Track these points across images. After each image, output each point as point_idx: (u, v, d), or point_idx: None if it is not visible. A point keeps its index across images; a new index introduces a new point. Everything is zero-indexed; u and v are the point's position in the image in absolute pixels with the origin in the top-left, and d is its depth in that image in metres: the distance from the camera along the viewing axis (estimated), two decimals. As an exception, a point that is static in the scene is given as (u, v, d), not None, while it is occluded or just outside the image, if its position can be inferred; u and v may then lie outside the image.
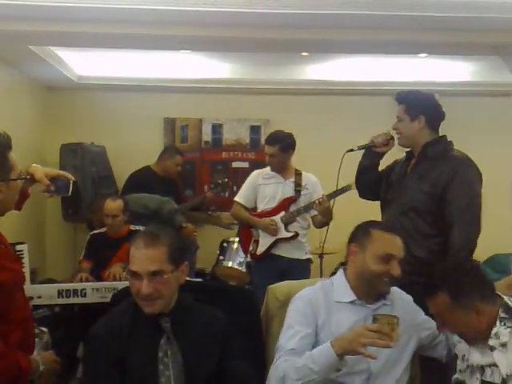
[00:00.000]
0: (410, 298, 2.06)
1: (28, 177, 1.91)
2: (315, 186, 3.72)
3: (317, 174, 3.84)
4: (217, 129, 5.42)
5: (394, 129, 2.66)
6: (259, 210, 3.74)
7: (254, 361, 1.92)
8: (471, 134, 5.30)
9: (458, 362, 1.85)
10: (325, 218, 3.49)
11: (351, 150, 2.79)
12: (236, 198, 3.81)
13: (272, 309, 2.13)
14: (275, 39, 3.33)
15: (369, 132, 2.83)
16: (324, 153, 4.68)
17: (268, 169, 3.77)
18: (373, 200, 2.84)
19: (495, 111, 5.28)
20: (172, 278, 1.75)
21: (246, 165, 5.32)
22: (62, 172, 2.09)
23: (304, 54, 4.34)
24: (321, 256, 4.33)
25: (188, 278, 2.68)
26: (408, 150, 2.70)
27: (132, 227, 3.88)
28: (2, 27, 3.14)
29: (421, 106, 2.59)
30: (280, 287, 2.19)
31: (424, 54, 4.14)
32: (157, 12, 2.96)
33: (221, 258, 4.50)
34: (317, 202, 3.46)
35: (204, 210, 4.96)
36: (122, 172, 4.91)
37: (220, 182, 5.14)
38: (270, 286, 2.21)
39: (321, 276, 4.26)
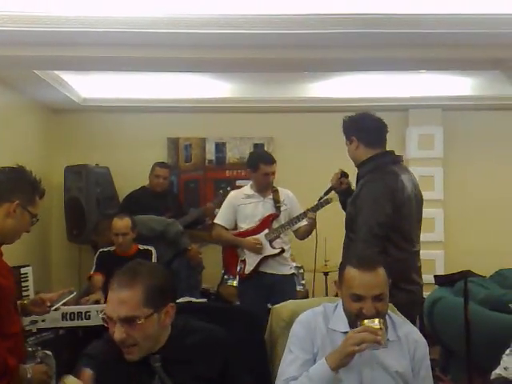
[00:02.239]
0: (417, 339, 1.95)
1: (37, 219, 2.06)
2: (292, 200, 3.82)
3: (320, 190, 3.83)
4: (220, 147, 5.44)
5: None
6: (242, 230, 3.77)
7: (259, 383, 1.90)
8: (474, 148, 5.31)
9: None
10: (309, 229, 3.66)
11: (321, 199, 3.29)
12: (216, 220, 3.84)
13: (276, 330, 2.11)
14: (277, 59, 3.36)
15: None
16: (327, 170, 4.66)
17: (246, 188, 3.86)
18: None
19: (497, 125, 5.30)
20: (148, 323, 1.56)
21: (249, 183, 5.32)
22: (61, 292, 2.34)
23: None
24: (326, 274, 4.31)
25: (193, 299, 2.68)
26: None
27: (140, 247, 3.89)
28: (7, 53, 3.18)
29: (349, 127, 2.72)
30: (284, 307, 2.17)
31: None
32: (159, 35, 2.99)
33: (225, 277, 4.49)
34: (309, 217, 3.60)
35: (205, 223, 4.94)
36: (126, 192, 4.92)
37: (221, 191, 5.09)
38: (274, 306, 2.19)
39: (326, 294, 4.24)
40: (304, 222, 3.70)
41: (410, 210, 2.60)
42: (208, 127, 5.34)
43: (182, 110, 5.18)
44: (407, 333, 1.93)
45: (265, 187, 3.77)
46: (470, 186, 5.27)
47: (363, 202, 2.54)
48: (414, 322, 2.08)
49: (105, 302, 3.38)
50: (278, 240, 3.73)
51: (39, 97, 4.72)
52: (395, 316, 1.99)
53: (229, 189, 4.89)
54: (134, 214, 4.04)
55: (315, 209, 3.58)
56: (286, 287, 3.66)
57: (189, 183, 5.35)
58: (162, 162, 4.92)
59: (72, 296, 2.46)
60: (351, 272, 1.85)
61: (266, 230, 3.72)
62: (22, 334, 2.02)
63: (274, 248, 3.71)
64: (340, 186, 2.98)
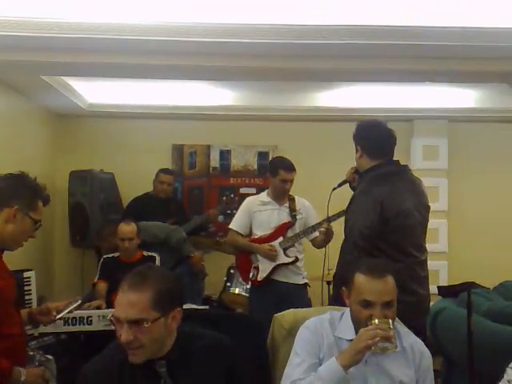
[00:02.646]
0: (422, 350, 1.96)
1: (39, 224, 2.07)
2: (308, 209, 3.81)
3: (325, 200, 3.83)
4: (225, 155, 5.45)
5: None
6: (256, 237, 3.77)
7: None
8: (479, 160, 5.30)
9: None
10: (328, 240, 3.59)
11: (334, 189, 3.09)
12: (231, 226, 3.85)
13: (278, 338, 2.11)
14: (282, 69, 3.37)
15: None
16: (332, 179, 4.66)
17: (262, 195, 3.86)
18: None
19: (502, 137, 5.29)
20: (155, 326, 1.58)
21: (253, 190, 5.32)
22: (68, 301, 2.40)
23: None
24: (329, 283, 4.29)
25: (195, 306, 2.68)
26: None
27: (145, 253, 3.89)
28: (14, 58, 3.21)
29: (356, 136, 2.73)
30: (286, 316, 2.17)
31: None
32: (166, 43, 3.01)
33: (228, 284, 4.48)
34: (322, 229, 3.55)
35: (208, 229, 4.94)
36: (130, 198, 4.92)
37: (224, 198, 5.08)
38: (276, 314, 2.19)
39: (329, 304, 4.22)
40: (318, 233, 3.67)
41: (405, 222, 2.57)
42: (213, 135, 5.35)
43: (188, 118, 5.19)
44: (412, 343, 1.93)
45: (281, 194, 3.76)
46: (475, 197, 5.26)
47: (352, 212, 2.61)
48: (416, 333, 2.06)
49: (107, 307, 3.39)
50: (292, 249, 3.71)
51: (46, 102, 4.74)
52: (400, 326, 1.99)
53: (232, 195, 4.89)
54: (138, 220, 4.05)
55: (331, 219, 3.51)
56: (297, 297, 3.62)
57: (193, 190, 5.36)
58: (167, 169, 4.93)
59: (78, 304, 2.47)
60: (361, 279, 1.86)
61: (281, 238, 3.71)
62: (23, 337, 2.02)
63: (288, 256, 3.69)
64: (354, 181, 2.91)
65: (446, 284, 4.55)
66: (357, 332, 1.85)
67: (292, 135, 5.32)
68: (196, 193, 5.38)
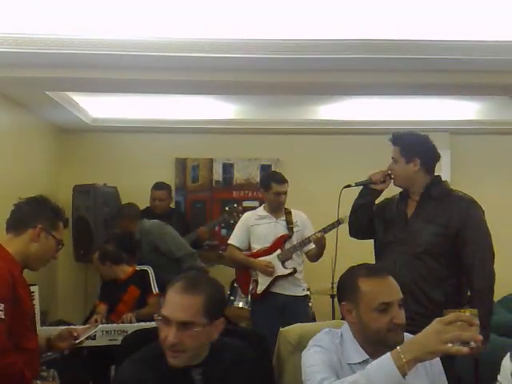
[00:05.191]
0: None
1: (62, 245, 2.16)
2: (305, 222, 3.86)
3: (328, 212, 3.82)
4: (227, 168, 5.47)
5: (390, 169, 2.67)
6: (255, 250, 3.82)
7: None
8: (481, 172, 5.30)
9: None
10: (319, 251, 3.66)
11: (348, 186, 2.80)
12: (230, 241, 3.91)
13: (284, 353, 2.08)
14: (282, 82, 3.40)
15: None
16: (334, 192, 4.67)
17: (259, 210, 3.93)
18: (362, 239, 2.84)
19: (505, 149, 5.30)
20: (203, 332, 1.57)
21: (256, 204, 5.31)
22: (88, 326, 2.46)
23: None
24: (332, 296, 4.28)
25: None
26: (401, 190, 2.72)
27: (138, 268, 3.88)
28: (19, 74, 3.24)
29: (416, 148, 2.59)
30: (292, 331, 2.14)
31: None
32: (168, 58, 3.03)
33: (231, 298, 4.46)
34: (314, 236, 3.60)
35: (202, 247, 4.91)
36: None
37: (227, 208, 4.85)
38: (282, 329, 2.17)
39: (333, 317, 4.20)
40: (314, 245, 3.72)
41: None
42: (216, 148, 5.37)
43: (191, 131, 5.22)
44: None
45: (277, 207, 3.81)
46: (478, 209, 5.25)
47: (479, 226, 2.52)
48: None
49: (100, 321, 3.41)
50: (289, 261, 3.77)
51: (50, 117, 4.77)
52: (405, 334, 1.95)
53: (235, 205, 4.87)
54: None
55: (326, 230, 3.60)
56: (297, 309, 3.67)
57: (196, 203, 5.37)
58: (158, 183, 4.78)
59: (98, 328, 2.48)
60: (368, 283, 1.67)
61: (279, 251, 3.77)
62: (38, 352, 2.04)
63: (286, 268, 3.74)
64: (381, 185, 2.71)
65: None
66: (365, 350, 1.68)
67: (295, 148, 5.34)
68: (199, 206, 5.39)
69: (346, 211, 2.94)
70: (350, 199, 2.86)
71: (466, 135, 5.28)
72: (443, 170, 5.25)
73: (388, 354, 1.44)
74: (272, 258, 3.76)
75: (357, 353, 1.70)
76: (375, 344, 1.67)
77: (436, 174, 2.70)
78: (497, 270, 2.57)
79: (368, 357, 1.68)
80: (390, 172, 2.69)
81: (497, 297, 4.04)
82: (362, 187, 2.79)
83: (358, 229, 2.80)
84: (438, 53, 3.01)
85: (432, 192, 2.58)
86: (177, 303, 1.58)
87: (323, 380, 1.57)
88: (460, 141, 5.30)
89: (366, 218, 2.74)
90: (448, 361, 1.87)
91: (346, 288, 1.74)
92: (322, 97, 4.56)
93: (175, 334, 1.55)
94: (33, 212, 2.08)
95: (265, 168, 5.41)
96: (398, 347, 1.44)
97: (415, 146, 2.60)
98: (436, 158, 2.65)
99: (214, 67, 3.16)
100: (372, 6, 2.78)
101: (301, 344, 1.95)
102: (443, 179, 2.73)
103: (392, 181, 2.69)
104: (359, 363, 1.67)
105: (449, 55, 3.04)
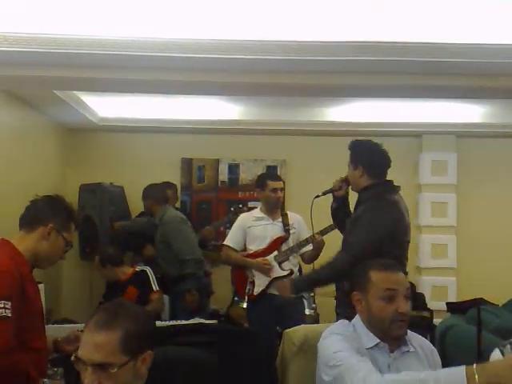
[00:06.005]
0: (432, 348, 1.95)
1: (71, 246, 2.17)
2: (301, 224, 3.85)
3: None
4: (233, 169, 5.48)
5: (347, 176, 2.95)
6: (251, 252, 3.81)
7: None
8: (488, 175, 5.29)
9: None
10: (315, 253, 3.67)
11: (317, 196, 3.14)
12: (225, 242, 3.89)
13: (288, 355, 2.10)
14: (292, 84, 3.39)
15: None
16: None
17: (256, 211, 3.93)
18: None
19: (511, 152, 5.28)
20: (122, 372, 1.42)
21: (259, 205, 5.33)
22: None
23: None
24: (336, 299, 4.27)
25: (203, 321, 2.67)
26: None
27: (137, 268, 3.89)
28: (27, 73, 3.25)
29: (360, 156, 2.83)
30: (296, 332, 2.15)
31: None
32: (176, 59, 3.04)
33: (236, 298, 4.47)
34: (315, 239, 3.63)
35: (207, 248, 4.92)
36: (139, 212, 4.95)
37: (232, 209, 4.91)
38: (286, 330, 2.19)
39: (337, 319, 4.20)
40: (310, 247, 3.74)
41: (404, 237, 2.76)
42: (222, 149, 5.38)
43: (197, 132, 5.23)
44: (421, 343, 1.93)
45: (274, 206, 3.81)
46: (484, 212, 5.23)
47: (361, 224, 2.67)
48: None
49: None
50: (286, 262, 3.77)
51: (58, 116, 4.79)
52: None
53: (241, 206, 4.89)
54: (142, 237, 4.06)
55: (323, 232, 3.62)
56: (294, 310, 3.67)
57: (201, 204, 5.38)
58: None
59: None
60: (378, 273, 1.82)
61: (275, 252, 3.77)
62: (46, 352, 2.05)
63: (283, 269, 3.74)
64: (338, 190, 3.05)
65: (454, 300, 4.52)
66: (383, 332, 1.78)
67: (300, 149, 5.34)
68: (204, 206, 5.40)
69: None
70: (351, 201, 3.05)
71: (473, 138, 5.27)
72: (450, 173, 5.27)
73: (463, 367, 1.48)
74: (269, 260, 3.76)
75: (369, 337, 1.82)
76: (381, 333, 1.80)
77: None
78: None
79: (379, 340, 1.80)
80: (346, 178, 2.98)
81: (502, 301, 4.05)
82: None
83: (340, 229, 3.09)
84: (446, 56, 3.01)
85: (360, 197, 2.79)
86: (90, 343, 1.43)
87: (359, 362, 1.65)
88: (467, 144, 5.30)
89: (343, 219, 3.00)
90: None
91: (359, 278, 1.88)
92: (328, 98, 4.56)
93: (91, 376, 1.41)
94: (47, 210, 2.09)
95: (270, 169, 5.42)
96: (475, 365, 1.47)
97: (360, 154, 2.83)
98: (382, 164, 2.83)
99: (220, 68, 3.16)
100: (381, 8, 2.78)
101: (305, 345, 1.97)
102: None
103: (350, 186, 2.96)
104: (372, 348, 1.79)
105: (456, 58, 3.03)
